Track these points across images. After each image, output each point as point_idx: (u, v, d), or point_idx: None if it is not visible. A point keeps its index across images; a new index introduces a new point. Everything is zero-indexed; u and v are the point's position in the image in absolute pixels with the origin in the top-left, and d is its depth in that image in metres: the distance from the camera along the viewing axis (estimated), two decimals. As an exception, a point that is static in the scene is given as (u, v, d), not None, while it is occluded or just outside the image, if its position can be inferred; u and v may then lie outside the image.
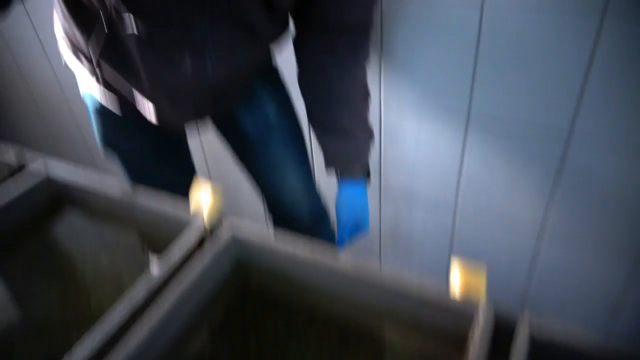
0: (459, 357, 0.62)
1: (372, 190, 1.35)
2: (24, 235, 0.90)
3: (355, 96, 0.83)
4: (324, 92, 0.82)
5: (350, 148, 0.85)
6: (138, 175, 1.01)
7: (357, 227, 0.91)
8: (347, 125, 0.84)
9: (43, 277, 0.82)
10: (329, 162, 0.89)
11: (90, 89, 0.92)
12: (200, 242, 0.77)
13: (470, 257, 1.36)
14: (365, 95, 0.86)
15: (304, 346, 0.70)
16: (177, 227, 0.80)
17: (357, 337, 0.71)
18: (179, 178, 1.03)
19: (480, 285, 0.65)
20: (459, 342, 0.58)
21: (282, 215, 1.08)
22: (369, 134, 0.88)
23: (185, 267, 0.71)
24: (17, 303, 0.79)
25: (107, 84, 0.84)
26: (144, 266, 0.83)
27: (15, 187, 0.84)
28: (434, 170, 1.23)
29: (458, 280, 0.65)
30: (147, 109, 0.82)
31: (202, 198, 0.77)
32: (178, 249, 0.71)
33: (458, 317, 0.63)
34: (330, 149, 0.87)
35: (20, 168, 0.91)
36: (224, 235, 0.76)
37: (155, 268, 0.70)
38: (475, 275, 0.65)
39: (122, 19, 0.66)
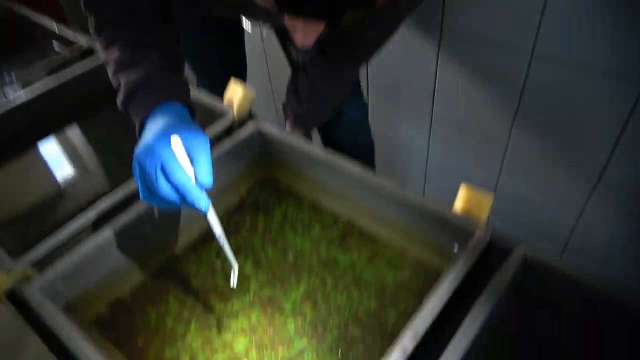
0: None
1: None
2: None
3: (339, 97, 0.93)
4: (313, 92, 0.89)
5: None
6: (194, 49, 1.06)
7: None
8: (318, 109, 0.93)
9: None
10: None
11: None
12: (229, 131, 0.82)
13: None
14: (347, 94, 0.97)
15: (306, 235, 0.75)
16: (212, 116, 0.85)
17: (357, 238, 0.73)
18: (227, 66, 1.09)
19: (484, 209, 0.64)
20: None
21: (334, 144, 1.13)
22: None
23: (213, 150, 0.76)
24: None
25: None
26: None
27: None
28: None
29: (463, 201, 0.65)
30: None
31: (236, 94, 0.85)
32: (208, 134, 0.76)
33: (457, 232, 0.63)
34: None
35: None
36: (250, 128, 0.80)
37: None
38: (481, 200, 0.64)
39: None
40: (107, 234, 0.64)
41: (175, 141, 0.54)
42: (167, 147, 0.51)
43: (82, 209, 0.69)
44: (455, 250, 0.66)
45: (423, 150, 1.41)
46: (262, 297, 0.67)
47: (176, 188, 0.51)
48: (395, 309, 0.64)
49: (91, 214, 0.68)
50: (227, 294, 0.68)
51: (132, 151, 0.56)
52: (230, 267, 0.63)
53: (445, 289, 0.55)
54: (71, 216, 0.68)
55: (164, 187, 0.50)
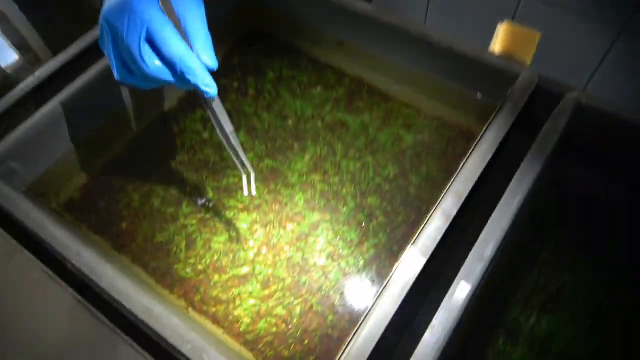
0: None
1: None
2: None
3: None
4: None
5: None
6: None
7: None
8: None
9: None
10: None
11: None
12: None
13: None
14: None
15: (307, 97, 0.63)
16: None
17: (367, 98, 0.62)
18: None
19: (530, 49, 0.52)
20: (486, 115, 0.49)
21: None
22: None
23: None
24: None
25: None
26: None
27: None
28: None
29: (504, 40, 0.53)
30: None
31: None
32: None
33: (495, 79, 0.52)
34: None
35: None
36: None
37: None
38: (527, 37, 0.52)
39: None
40: (63, 97, 0.51)
41: None
42: (153, 6, 0.36)
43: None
44: (479, 97, 0.56)
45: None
46: (263, 169, 0.57)
47: (171, 64, 0.36)
48: (417, 175, 0.56)
49: (30, 80, 0.54)
50: (220, 168, 0.58)
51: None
52: (240, 172, 0.47)
53: (489, 142, 0.46)
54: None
55: (153, 63, 0.36)
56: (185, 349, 0.38)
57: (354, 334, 0.38)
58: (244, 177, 0.47)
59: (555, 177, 0.54)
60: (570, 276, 0.50)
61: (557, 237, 0.52)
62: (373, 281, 0.49)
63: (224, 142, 0.44)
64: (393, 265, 0.48)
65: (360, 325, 0.38)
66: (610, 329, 0.47)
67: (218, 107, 0.41)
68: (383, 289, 0.39)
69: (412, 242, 0.41)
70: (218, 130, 0.43)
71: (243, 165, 0.46)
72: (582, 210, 0.54)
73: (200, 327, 0.47)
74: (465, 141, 0.57)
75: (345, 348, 0.37)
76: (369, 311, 0.39)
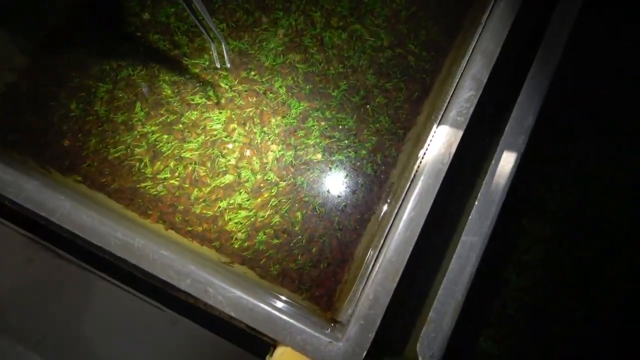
0: None
1: None
2: None
3: None
4: None
5: None
6: None
7: None
8: None
9: None
10: None
11: None
12: None
13: None
14: None
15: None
16: None
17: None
18: None
19: None
20: None
21: None
22: None
23: None
24: None
25: None
26: None
27: None
28: None
29: None
30: None
31: None
32: None
33: None
34: None
35: None
36: None
37: None
38: None
39: None
40: None
41: None
42: None
43: None
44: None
45: None
46: (228, 55, 0.46)
47: None
48: (416, 41, 0.47)
49: None
50: (173, 57, 0.46)
51: None
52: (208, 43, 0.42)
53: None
54: None
55: None
56: (184, 285, 0.31)
57: (386, 235, 0.32)
58: (213, 48, 0.40)
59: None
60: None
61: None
62: (377, 172, 0.43)
63: (184, 4, 0.36)
64: (400, 152, 0.41)
65: (395, 216, 0.32)
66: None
67: None
68: (412, 178, 0.33)
69: (436, 119, 0.34)
70: None
71: (210, 31, 0.39)
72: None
73: (188, 252, 0.40)
74: (469, -7, 0.47)
75: (379, 252, 0.32)
76: (400, 204, 0.32)
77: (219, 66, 0.41)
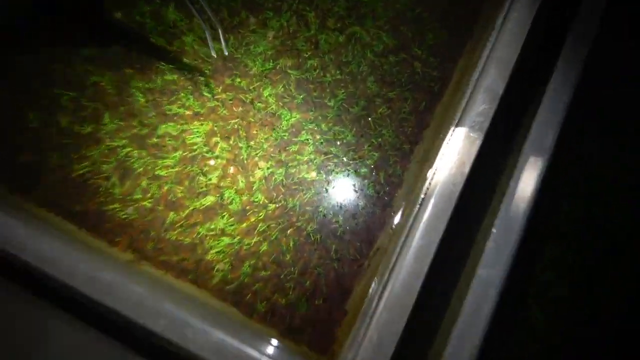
0: None
1: None
2: None
3: None
4: None
5: None
6: None
7: None
8: None
9: None
10: None
11: None
12: None
13: None
14: None
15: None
16: None
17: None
18: None
19: None
20: None
21: None
22: None
23: None
24: None
25: None
26: None
27: None
28: None
29: None
30: None
31: None
32: None
33: None
34: None
35: None
36: None
37: None
38: None
39: None
40: None
41: None
42: None
43: None
44: None
45: None
46: (212, 61, 0.41)
47: None
48: (422, 45, 0.42)
49: None
50: (148, 60, 0.40)
51: None
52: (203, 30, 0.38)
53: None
54: None
55: None
56: (159, 328, 0.26)
57: (392, 269, 0.27)
58: (208, 34, 0.36)
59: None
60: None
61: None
62: (380, 193, 0.38)
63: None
64: (406, 170, 0.36)
65: (403, 245, 0.27)
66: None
67: None
68: (421, 202, 0.28)
69: (446, 135, 0.29)
70: None
71: (204, 13, 0.36)
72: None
73: (163, 286, 0.34)
74: (480, -8, 0.43)
75: (385, 287, 0.27)
76: (410, 227, 0.27)
77: (214, 55, 0.38)
